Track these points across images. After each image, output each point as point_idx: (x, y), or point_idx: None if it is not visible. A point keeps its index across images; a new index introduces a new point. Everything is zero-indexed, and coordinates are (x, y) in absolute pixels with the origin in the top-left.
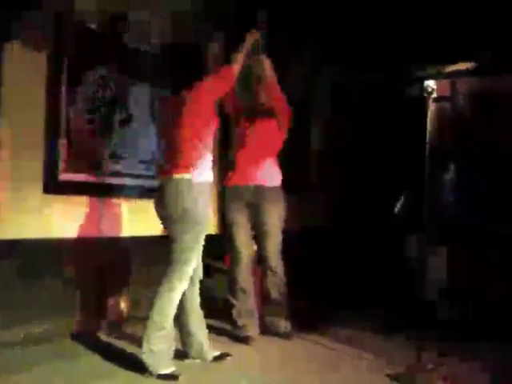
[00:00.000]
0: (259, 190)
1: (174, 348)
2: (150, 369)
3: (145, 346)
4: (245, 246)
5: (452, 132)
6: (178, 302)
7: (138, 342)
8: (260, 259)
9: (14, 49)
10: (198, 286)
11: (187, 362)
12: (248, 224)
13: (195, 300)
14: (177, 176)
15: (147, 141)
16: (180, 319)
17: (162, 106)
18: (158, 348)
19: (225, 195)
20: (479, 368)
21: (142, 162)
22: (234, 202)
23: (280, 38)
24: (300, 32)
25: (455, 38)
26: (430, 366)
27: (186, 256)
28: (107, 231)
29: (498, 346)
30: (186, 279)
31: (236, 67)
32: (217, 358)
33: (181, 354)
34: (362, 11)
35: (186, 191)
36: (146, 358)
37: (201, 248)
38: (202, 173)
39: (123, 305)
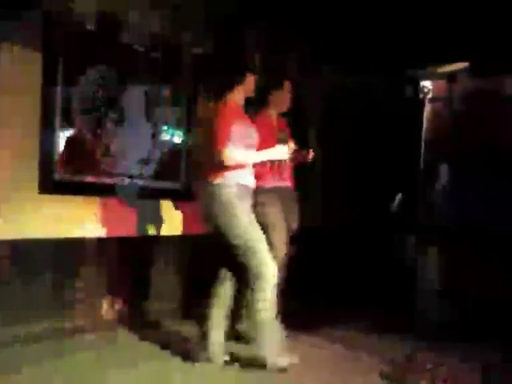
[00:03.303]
0: (289, 191)
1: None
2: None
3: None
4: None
5: (447, 132)
6: (272, 298)
7: (135, 339)
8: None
9: (10, 49)
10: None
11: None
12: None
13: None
14: (208, 181)
15: (143, 140)
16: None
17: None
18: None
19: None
20: (479, 368)
21: (138, 161)
22: (275, 203)
23: (278, 38)
24: (298, 32)
25: (451, 39)
26: (429, 366)
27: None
28: (103, 231)
29: (498, 346)
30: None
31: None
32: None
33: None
34: (359, 12)
35: (211, 197)
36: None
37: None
38: (235, 177)
39: (117, 305)
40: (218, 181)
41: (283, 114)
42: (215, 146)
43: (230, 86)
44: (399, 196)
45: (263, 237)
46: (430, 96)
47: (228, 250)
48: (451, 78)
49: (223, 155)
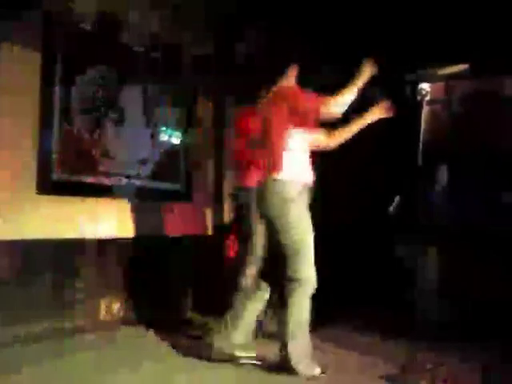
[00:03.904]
0: None
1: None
2: (303, 373)
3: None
4: None
5: (445, 133)
6: (309, 303)
7: (135, 339)
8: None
9: (9, 49)
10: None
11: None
12: None
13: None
14: (269, 177)
15: (143, 141)
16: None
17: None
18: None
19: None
20: (479, 368)
21: (138, 162)
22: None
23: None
24: (295, 33)
25: (449, 40)
26: (429, 366)
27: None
28: (101, 232)
29: (498, 346)
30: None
31: (332, 105)
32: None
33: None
34: (358, 13)
35: (272, 193)
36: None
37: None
38: (298, 173)
39: (117, 305)
40: (280, 177)
41: None
42: (320, 109)
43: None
44: (397, 199)
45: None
46: (428, 98)
47: (277, 249)
48: (449, 79)
49: (332, 107)
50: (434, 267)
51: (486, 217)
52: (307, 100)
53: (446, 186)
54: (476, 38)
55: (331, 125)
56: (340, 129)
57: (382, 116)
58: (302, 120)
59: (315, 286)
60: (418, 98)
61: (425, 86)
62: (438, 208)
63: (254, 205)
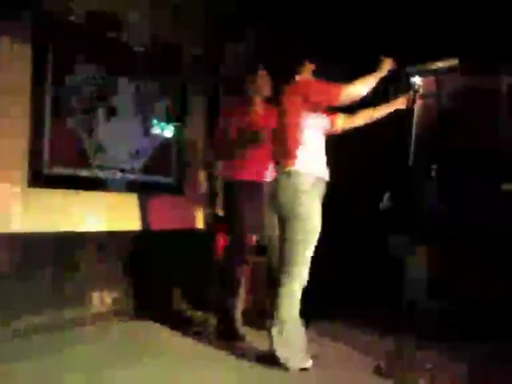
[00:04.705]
0: None
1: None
2: (290, 365)
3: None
4: None
5: (438, 129)
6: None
7: (135, 332)
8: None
9: (4, 47)
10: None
11: None
12: None
13: None
14: (284, 168)
15: (136, 135)
16: None
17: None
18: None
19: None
20: (479, 368)
21: (131, 156)
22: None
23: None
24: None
25: (442, 34)
26: (429, 366)
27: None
28: (93, 225)
29: (498, 346)
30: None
31: (351, 92)
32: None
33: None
34: (350, 8)
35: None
36: (288, 360)
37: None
38: (313, 166)
39: (116, 299)
40: (294, 168)
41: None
42: (334, 97)
43: (290, 74)
44: (387, 194)
45: None
46: (420, 92)
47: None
48: (442, 74)
49: (348, 91)
50: (433, 267)
51: (483, 216)
52: (319, 90)
53: (439, 184)
54: (470, 32)
55: (349, 109)
56: (361, 113)
57: (403, 107)
58: (315, 108)
59: (305, 284)
60: (411, 92)
61: (417, 81)
62: (433, 207)
63: (267, 204)
